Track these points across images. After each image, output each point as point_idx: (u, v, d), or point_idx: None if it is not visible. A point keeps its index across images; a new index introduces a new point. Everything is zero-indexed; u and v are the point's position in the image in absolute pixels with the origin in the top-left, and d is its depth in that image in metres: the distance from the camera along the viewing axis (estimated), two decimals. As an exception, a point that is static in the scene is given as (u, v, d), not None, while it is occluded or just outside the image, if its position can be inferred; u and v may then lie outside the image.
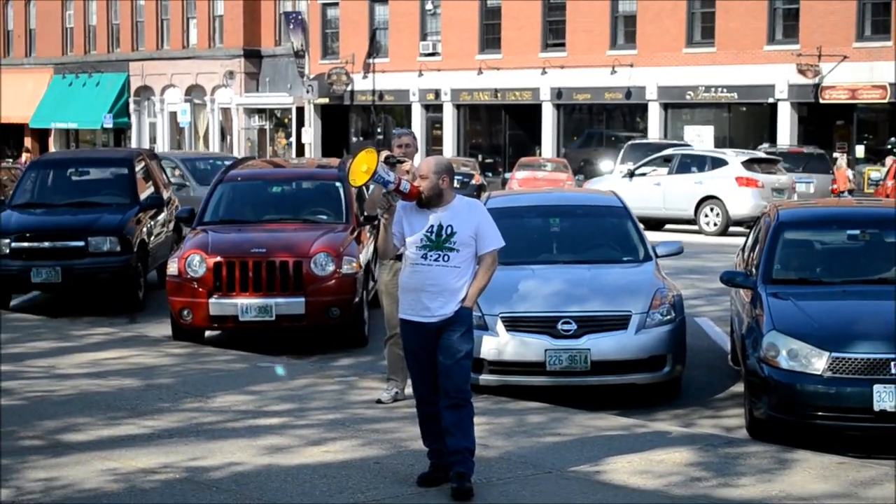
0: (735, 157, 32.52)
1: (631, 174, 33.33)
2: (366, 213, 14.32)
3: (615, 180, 33.50)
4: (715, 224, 31.23)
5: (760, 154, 34.68)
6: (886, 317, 10.38)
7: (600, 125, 51.61)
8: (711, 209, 31.44)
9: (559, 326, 11.44)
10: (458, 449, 8.37)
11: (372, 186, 12.59)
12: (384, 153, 11.39)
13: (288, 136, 60.06)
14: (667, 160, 33.80)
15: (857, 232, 12.14)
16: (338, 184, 16.07)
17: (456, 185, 8.84)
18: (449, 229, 8.35)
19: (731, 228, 30.90)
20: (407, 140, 11.28)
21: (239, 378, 12.34)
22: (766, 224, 12.48)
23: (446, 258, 8.34)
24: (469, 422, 8.45)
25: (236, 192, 16.30)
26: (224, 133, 62.49)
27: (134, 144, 63.67)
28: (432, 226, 8.37)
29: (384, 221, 8.52)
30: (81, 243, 17.20)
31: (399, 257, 11.10)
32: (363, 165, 8.21)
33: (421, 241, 8.37)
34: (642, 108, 48.34)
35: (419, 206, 8.41)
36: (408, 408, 10.93)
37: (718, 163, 32.39)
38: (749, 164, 32.22)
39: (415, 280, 8.42)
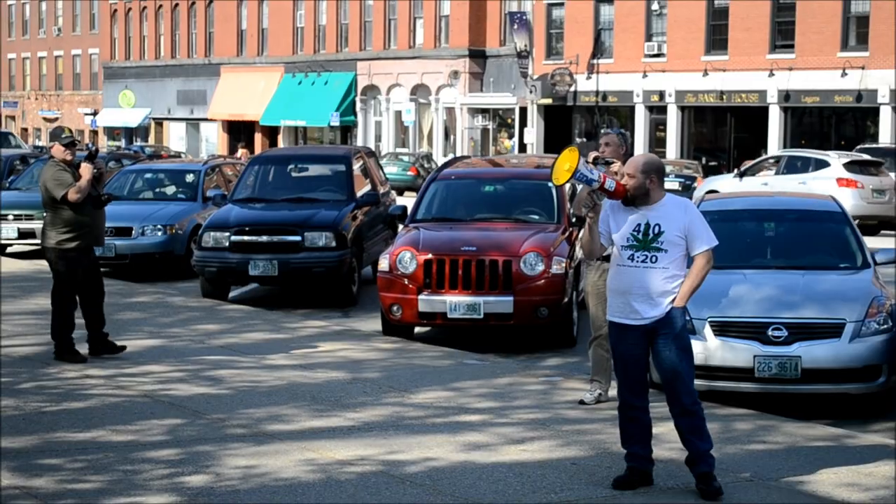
0: (837, 159, 32.92)
1: (742, 174, 34.07)
2: (574, 214, 14.21)
3: (728, 180, 34.58)
4: None
5: (863, 156, 34.43)
6: None
7: (828, 128, 50.34)
8: None
9: (769, 332, 11.16)
10: (699, 452, 8.30)
11: (580, 187, 12.53)
12: (592, 154, 11.29)
13: (511, 136, 60.31)
14: (776, 161, 34.72)
15: None
16: (550, 183, 15.98)
17: (678, 186, 8.68)
18: (657, 228, 8.18)
19: None
20: (607, 139, 11.09)
21: (444, 374, 12.38)
22: None
23: (654, 259, 8.17)
24: (702, 424, 8.36)
25: (449, 191, 16.40)
26: (448, 132, 63.12)
27: (359, 143, 64.85)
28: (639, 224, 8.21)
29: (589, 221, 8.39)
30: (298, 238, 17.54)
31: (607, 258, 11.08)
32: (566, 164, 8.11)
33: (627, 240, 8.23)
34: (874, 112, 46.95)
35: (625, 204, 8.26)
36: (610, 409, 10.80)
37: (821, 164, 32.89)
38: (851, 165, 32.49)
39: (622, 282, 8.28)
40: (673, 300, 8.21)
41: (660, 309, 8.19)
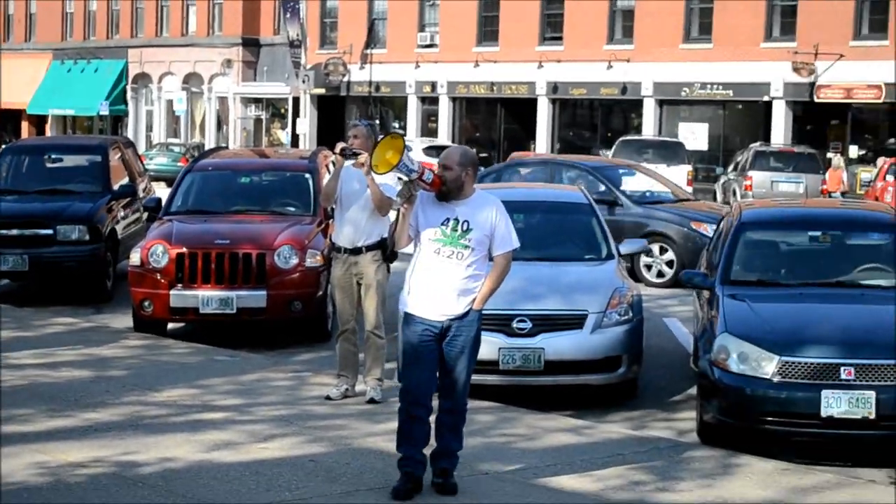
0: None
1: None
2: (323, 206, 14.16)
3: None
4: None
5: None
6: (839, 321, 10.29)
7: (596, 120, 51.41)
8: None
9: (514, 325, 11.30)
10: (449, 448, 8.30)
11: (327, 176, 12.49)
12: (339, 145, 11.25)
13: (284, 126, 59.94)
14: None
15: (818, 234, 12.01)
16: (307, 175, 15.94)
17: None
18: (465, 225, 8.08)
19: None
20: (356, 132, 11.04)
21: (191, 371, 12.21)
22: (729, 224, 12.35)
23: (460, 255, 8.08)
24: (462, 424, 8.36)
25: (205, 182, 16.16)
26: (220, 122, 62.39)
27: (130, 132, 63.65)
28: (447, 219, 8.10)
29: (403, 210, 8.18)
30: (50, 231, 17.06)
31: (352, 251, 11.07)
32: (387, 151, 7.87)
33: (435, 234, 8.11)
34: (638, 104, 48.12)
35: (438, 198, 8.13)
36: (356, 405, 10.86)
37: None
38: None
39: (425, 275, 8.17)
40: (473, 300, 8.16)
41: (460, 307, 8.13)
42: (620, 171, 21.90)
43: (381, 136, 8.29)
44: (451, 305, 8.12)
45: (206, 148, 52.36)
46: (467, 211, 8.10)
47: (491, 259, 8.25)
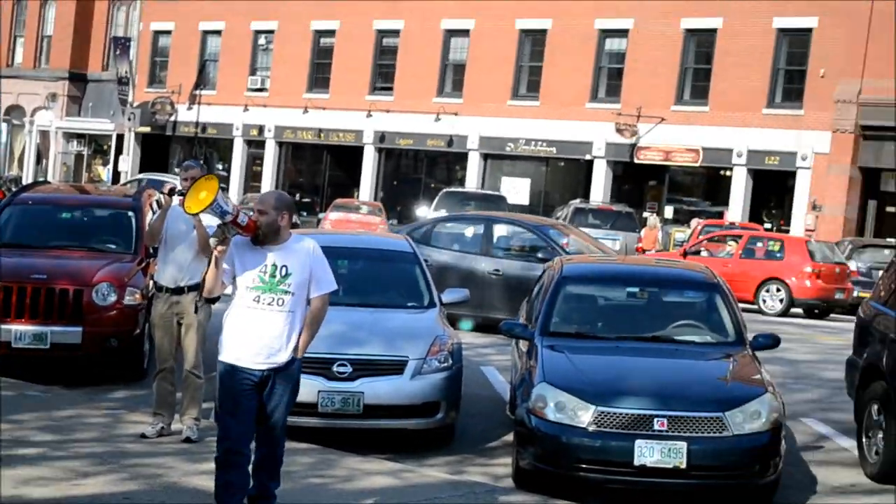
0: None
1: None
2: (147, 245, 14.02)
3: None
4: None
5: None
6: (653, 374, 10.55)
7: (421, 171, 51.81)
8: None
9: (334, 368, 11.32)
10: (267, 490, 8.23)
11: (153, 216, 12.39)
12: (168, 185, 11.19)
13: (105, 163, 59.03)
14: None
15: (636, 289, 12.32)
16: (130, 213, 15.74)
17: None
18: (284, 270, 7.92)
19: None
20: (194, 173, 10.98)
21: (3, 406, 11.90)
22: (550, 276, 12.57)
23: (280, 301, 7.91)
24: (280, 465, 8.32)
25: (24, 216, 15.83)
26: (40, 156, 61.16)
27: (-53, 162, 61.95)
28: (266, 265, 7.92)
29: (217, 254, 7.94)
30: None
31: (175, 290, 10.99)
32: (201, 192, 7.69)
33: (253, 281, 7.91)
34: (463, 157, 48.65)
35: (253, 242, 7.96)
36: (172, 443, 10.75)
37: None
38: None
39: (244, 324, 7.95)
40: (295, 348, 8.03)
41: (282, 356, 7.97)
42: (553, 231, 22.27)
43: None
44: (273, 354, 7.96)
45: (24, 182, 51.33)
46: (285, 255, 7.97)
47: (308, 302, 8.12)
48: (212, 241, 7.98)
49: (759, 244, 31.18)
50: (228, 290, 8.23)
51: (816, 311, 29.69)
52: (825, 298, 29.45)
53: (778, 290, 29.47)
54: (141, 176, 49.11)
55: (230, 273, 8.01)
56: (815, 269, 29.23)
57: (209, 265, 8.14)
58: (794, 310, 29.45)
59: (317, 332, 8.22)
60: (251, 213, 8.05)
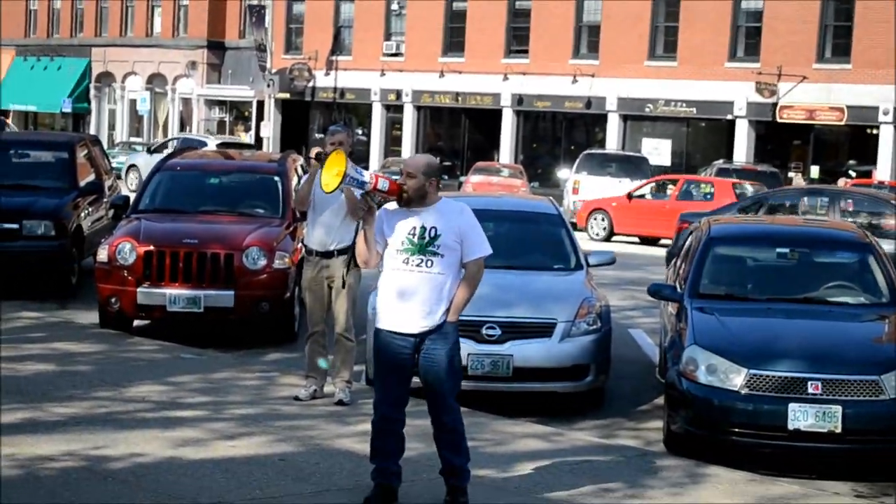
0: None
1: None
2: (295, 209, 14.18)
3: None
4: None
5: None
6: (806, 336, 10.38)
7: (559, 133, 51.61)
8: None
9: (483, 331, 11.35)
10: (452, 466, 8.09)
11: (301, 181, 12.50)
12: (315, 150, 11.29)
13: (247, 129, 59.80)
14: None
15: (786, 250, 12.14)
16: (276, 178, 15.96)
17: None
18: (433, 231, 7.79)
19: None
20: (340, 137, 11.09)
21: (159, 368, 12.18)
22: (697, 238, 12.45)
23: (429, 263, 7.79)
24: (459, 440, 8.09)
25: (174, 182, 16.14)
26: (184, 123, 62.18)
27: (93, 130, 63.28)
28: (414, 227, 7.81)
29: (364, 227, 7.94)
30: (16, 226, 16.94)
31: (324, 254, 11.10)
32: (333, 169, 7.73)
33: (402, 243, 7.82)
34: (602, 119, 48.34)
35: (400, 205, 7.88)
36: (325, 406, 10.88)
37: None
38: None
39: (394, 286, 7.88)
40: (447, 310, 7.89)
41: (433, 319, 7.85)
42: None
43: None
44: (424, 317, 7.84)
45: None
46: (434, 217, 7.86)
47: (463, 267, 8.03)
48: (358, 212, 7.98)
49: (694, 187, 33.04)
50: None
51: None
52: None
53: None
54: (176, 135, 50.88)
55: (381, 242, 7.95)
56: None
57: (356, 235, 8.11)
58: None
59: (471, 297, 8.08)
60: (395, 177, 8.05)
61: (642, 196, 33.33)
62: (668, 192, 33.65)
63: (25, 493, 7.95)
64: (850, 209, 20.18)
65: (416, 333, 7.89)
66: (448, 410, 8.03)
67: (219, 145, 42.20)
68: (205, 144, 43.18)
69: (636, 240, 32.53)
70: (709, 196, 31.89)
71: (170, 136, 53.79)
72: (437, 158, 8.29)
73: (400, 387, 8.03)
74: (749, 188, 31.85)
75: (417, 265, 7.82)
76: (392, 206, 7.97)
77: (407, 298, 7.85)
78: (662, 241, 31.23)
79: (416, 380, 8.13)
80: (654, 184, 34.82)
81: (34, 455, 8.78)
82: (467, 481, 8.15)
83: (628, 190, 33.85)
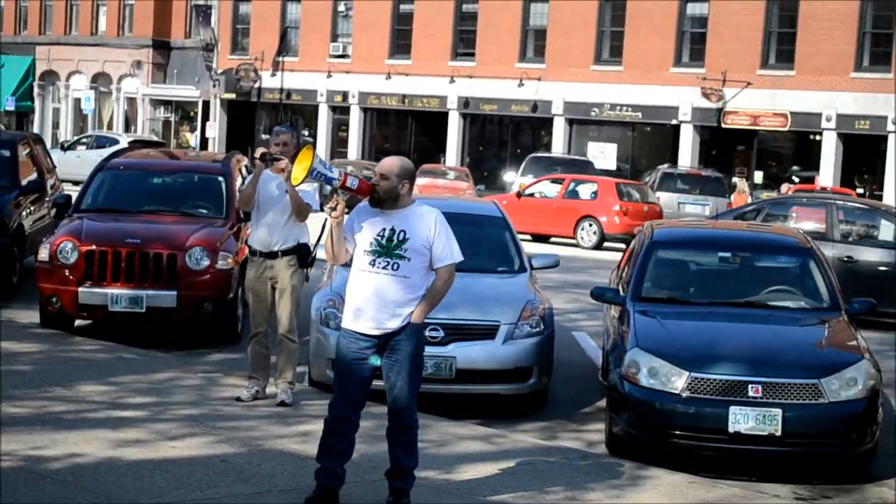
0: None
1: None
2: (239, 209, 14.13)
3: None
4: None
5: None
6: (747, 339, 10.47)
7: (506, 136, 51.70)
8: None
9: (427, 333, 11.28)
10: (404, 468, 8.07)
11: (245, 181, 12.46)
12: (260, 150, 11.25)
13: (193, 129, 59.53)
14: None
15: (728, 254, 12.22)
16: (220, 178, 15.89)
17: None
18: (402, 235, 7.81)
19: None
20: (285, 138, 11.09)
21: (100, 369, 12.09)
22: (640, 241, 12.51)
23: (395, 266, 7.80)
24: (414, 442, 8.10)
25: (117, 181, 16.01)
26: (129, 123, 61.78)
27: (36, 129, 62.71)
28: (384, 229, 7.83)
29: (333, 222, 7.93)
30: (-45, 225, 16.78)
31: (268, 255, 11.06)
32: (303, 163, 7.73)
33: (371, 244, 7.84)
34: (548, 122, 48.50)
35: (371, 205, 7.89)
36: (267, 407, 10.83)
37: None
38: None
39: (360, 288, 7.90)
40: (411, 313, 7.91)
41: (397, 321, 7.86)
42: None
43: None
44: (387, 319, 7.86)
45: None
46: (404, 221, 7.87)
47: (434, 271, 8.01)
48: (326, 208, 7.96)
49: (580, 186, 34.46)
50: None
51: (626, 244, 30.29)
52: (632, 233, 30.11)
53: (591, 225, 32.93)
54: (91, 133, 51.79)
55: (351, 240, 7.96)
56: (622, 208, 32.86)
57: (322, 232, 8.10)
58: (606, 244, 32.51)
59: (438, 302, 8.09)
60: (368, 176, 8.05)
61: (531, 195, 34.07)
62: (557, 191, 34.40)
63: (-38, 493, 7.86)
64: (843, 218, 19.95)
65: (380, 335, 7.91)
66: (408, 411, 8.02)
67: (131, 142, 42.41)
68: (117, 142, 43.80)
69: (528, 237, 32.48)
70: (594, 195, 33.47)
71: (85, 134, 53.88)
72: (409, 162, 8.16)
73: (360, 388, 8.02)
74: (635, 192, 34.05)
75: (384, 267, 7.84)
76: (364, 205, 7.98)
77: (372, 300, 7.86)
78: (553, 240, 33.01)
79: (377, 382, 8.12)
80: (542, 182, 35.61)
81: (-29, 455, 8.69)
82: (411, 485, 8.15)
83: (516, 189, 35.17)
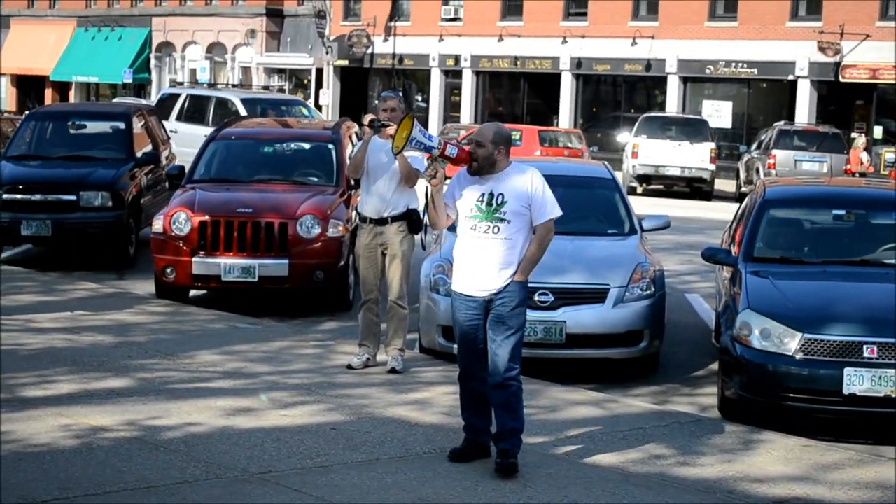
0: None
1: None
2: (348, 177, 14.18)
3: None
4: None
5: None
6: (862, 299, 10.27)
7: (619, 97, 51.25)
8: None
9: (536, 297, 11.25)
10: (506, 429, 8.18)
11: (354, 148, 12.48)
12: (368, 116, 11.26)
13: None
14: None
15: (842, 212, 11.96)
16: (330, 146, 15.96)
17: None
18: (500, 198, 8.04)
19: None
20: (392, 104, 11.10)
21: (214, 338, 12.24)
22: (752, 201, 12.32)
23: (496, 229, 8.04)
24: (516, 402, 8.21)
25: (228, 151, 16.17)
26: (244, 92, 62.22)
27: (154, 100, 63.53)
28: (483, 194, 8.07)
29: (432, 190, 8.16)
30: (73, 197, 17.07)
31: (378, 221, 11.08)
32: (404, 132, 7.98)
33: (471, 210, 8.09)
34: (662, 81, 47.94)
35: (470, 172, 8.12)
36: (377, 374, 10.89)
37: None
38: None
39: (465, 252, 8.17)
40: (514, 273, 8.10)
41: (500, 281, 8.07)
42: None
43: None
44: (490, 281, 8.08)
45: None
46: (502, 184, 8.07)
47: (533, 231, 8.19)
48: (425, 176, 8.20)
49: None
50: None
51: None
52: None
53: None
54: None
55: (453, 206, 8.21)
56: (542, 154, 34.17)
57: (426, 200, 8.24)
58: None
59: (539, 259, 8.26)
60: (465, 144, 8.14)
61: None
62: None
63: (78, 463, 8.00)
64: None
65: (484, 297, 8.13)
66: (507, 368, 8.15)
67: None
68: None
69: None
70: (517, 142, 33.99)
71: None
72: (504, 128, 8.33)
73: (474, 344, 8.24)
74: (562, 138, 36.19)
75: (485, 231, 8.07)
76: (464, 172, 8.19)
77: (475, 263, 8.12)
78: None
79: None
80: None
81: (88, 426, 8.85)
82: (518, 447, 8.21)
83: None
